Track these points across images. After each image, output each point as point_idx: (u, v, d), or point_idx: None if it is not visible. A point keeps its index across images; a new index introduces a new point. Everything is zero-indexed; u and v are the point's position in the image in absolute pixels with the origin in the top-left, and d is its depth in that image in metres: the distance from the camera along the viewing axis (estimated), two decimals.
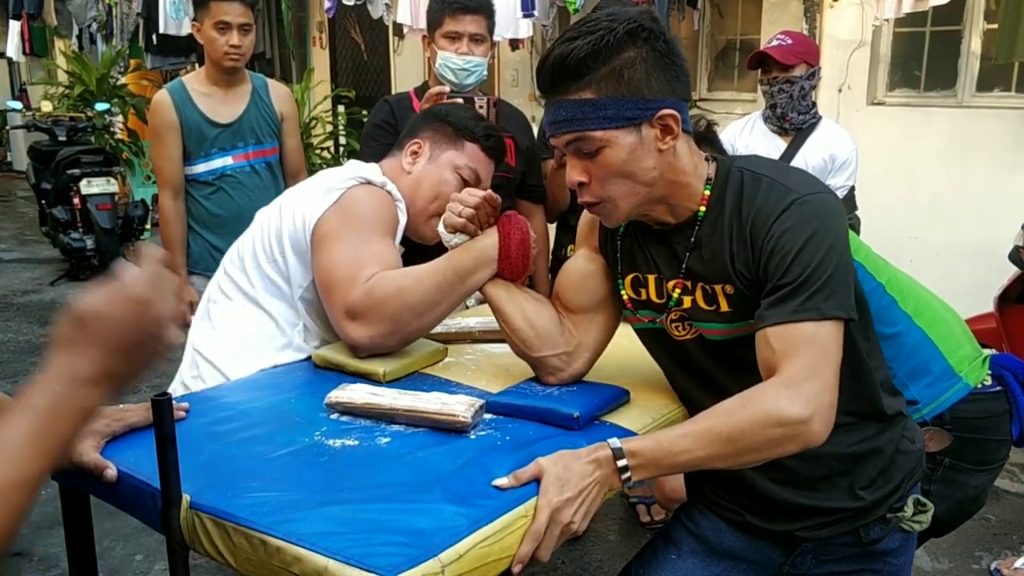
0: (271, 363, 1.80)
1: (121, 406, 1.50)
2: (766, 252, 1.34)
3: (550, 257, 3.13)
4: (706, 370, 1.50)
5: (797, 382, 1.25)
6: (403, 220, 1.90)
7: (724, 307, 1.42)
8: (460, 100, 2.37)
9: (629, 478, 1.29)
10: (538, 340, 1.62)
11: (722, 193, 1.42)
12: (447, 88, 2.46)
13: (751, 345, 1.36)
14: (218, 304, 1.89)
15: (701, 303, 1.45)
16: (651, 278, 1.52)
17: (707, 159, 1.46)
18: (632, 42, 1.33)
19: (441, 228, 1.73)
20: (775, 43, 3.10)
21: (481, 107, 2.38)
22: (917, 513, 1.49)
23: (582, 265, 1.66)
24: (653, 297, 1.52)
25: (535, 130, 2.98)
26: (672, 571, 1.54)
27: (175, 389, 1.82)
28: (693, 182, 1.42)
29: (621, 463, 1.28)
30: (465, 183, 1.96)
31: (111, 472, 1.36)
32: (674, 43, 1.38)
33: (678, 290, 1.47)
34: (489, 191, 1.73)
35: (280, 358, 1.81)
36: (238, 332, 1.83)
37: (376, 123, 2.71)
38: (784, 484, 1.46)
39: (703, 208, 1.43)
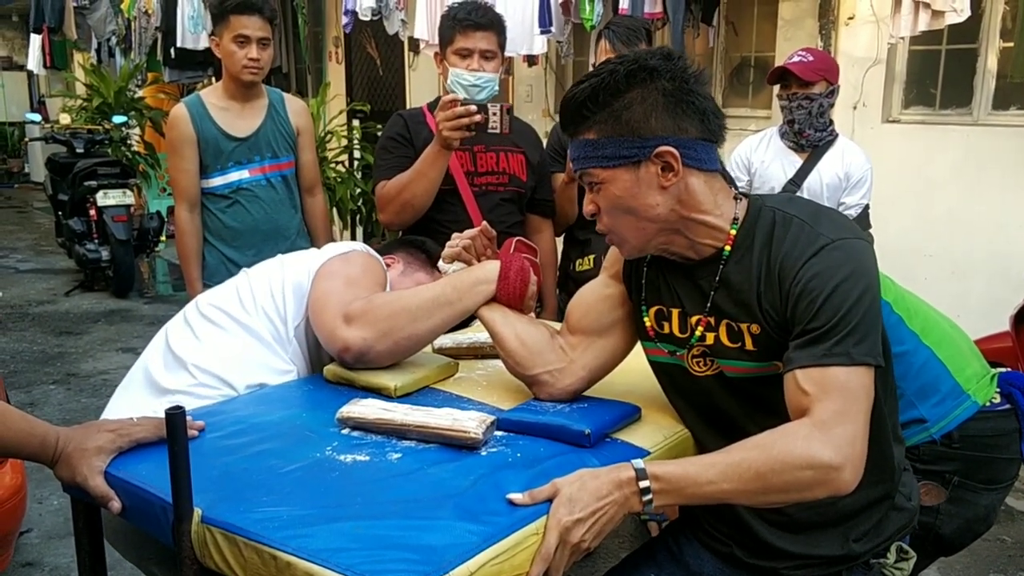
0: (259, 379, 1.78)
1: (131, 419, 1.50)
2: (793, 296, 1.33)
3: (557, 272, 3.14)
4: (723, 408, 1.49)
5: (829, 426, 1.24)
6: None
7: (749, 346, 1.41)
8: (474, 107, 2.38)
9: (651, 501, 1.26)
10: (530, 357, 1.63)
11: (751, 232, 1.41)
12: (461, 95, 2.47)
13: (772, 384, 1.35)
14: (208, 322, 1.85)
15: (725, 340, 1.44)
16: (675, 312, 1.51)
17: (736, 197, 1.46)
18: (632, 83, 1.37)
19: (440, 263, 1.81)
20: (796, 59, 3.11)
21: (494, 114, 2.40)
22: (899, 560, 1.49)
23: (597, 289, 1.67)
24: (676, 331, 1.52)
25: (545, 144, 2.99)
26: None
27: (134, 405, 1.73)
28: (714, 220, 1.42)
29: (643, 484, 1.26)
30: None
31: (116, 504, 1.37)
32: (690, 79, 1.38)
33: (701, 326, 1.46)
34: (484, 224, 1.79)
35: (267, 376, 1.80)
36: (227, 347, 1.81)
37: (391, 136, 2.72)
38: (779, 529, 1.46)
39: (728, 247, 1.42)
